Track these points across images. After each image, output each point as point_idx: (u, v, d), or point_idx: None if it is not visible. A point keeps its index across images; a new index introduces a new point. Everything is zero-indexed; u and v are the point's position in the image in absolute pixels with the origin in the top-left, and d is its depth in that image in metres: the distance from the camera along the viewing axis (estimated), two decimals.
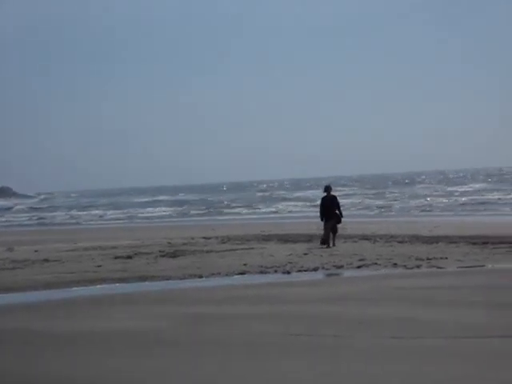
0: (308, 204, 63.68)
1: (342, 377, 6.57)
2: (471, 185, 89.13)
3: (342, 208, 23.72)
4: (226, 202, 78.18)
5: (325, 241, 22.56)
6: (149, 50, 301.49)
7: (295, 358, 7.40)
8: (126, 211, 70.49)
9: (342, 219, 23.33)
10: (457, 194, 70.07)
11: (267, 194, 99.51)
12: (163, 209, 71.86)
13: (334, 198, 23.59)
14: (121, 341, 8.64)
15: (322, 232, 22.99)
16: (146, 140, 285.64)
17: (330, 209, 23.16)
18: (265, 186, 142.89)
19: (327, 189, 23.66)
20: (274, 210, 61.60)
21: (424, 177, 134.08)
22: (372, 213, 50.57)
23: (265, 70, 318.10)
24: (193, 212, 64.19)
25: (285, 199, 79.49)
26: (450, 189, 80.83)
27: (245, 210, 63.58)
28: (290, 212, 57.02)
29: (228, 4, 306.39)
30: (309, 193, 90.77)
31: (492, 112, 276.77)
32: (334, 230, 22.89)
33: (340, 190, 76.61)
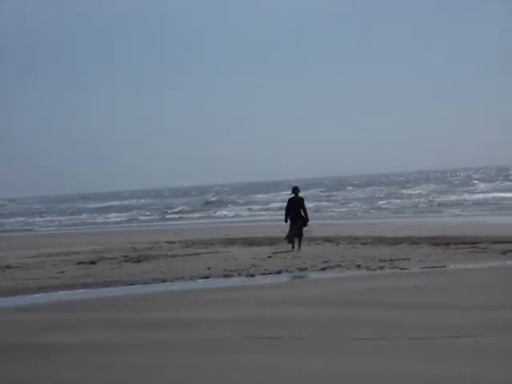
0: (274, 207, 63.73)
1: (307, 376, 6.62)
2: (424, 186, 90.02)
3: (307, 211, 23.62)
4: (181, 207, 77.59)
5: (290, 241, 22.42)
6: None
7: (259, 359, 7.43)
8: (82, 217, 70.10)
9: (308, 222, 23.16)
10: (414, 195, 70.74)
11: (223, 196, 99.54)
12: (121, 214, 71.20)
13: (301, 199, 23.32)
14: (71, 350, 8.60)
15: (287, 233, 22.83)
16: (97, 144, 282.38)
17: (296, 211, 22.98)
18: (225, 188, 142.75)
19: (295, 190, 23.32)
20: (230, 213, 61.40)
21: (365, 180, 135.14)
22: (334, 215, 50.76)
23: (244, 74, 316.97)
24: (149, 217, 63.74)
25: (236, 203, 79.35)
26: (406, 191, 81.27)
27: (199, 214, 63.42)
28: (256, 215, 56.96)
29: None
30: (262, 196, 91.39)
31: (451, 112, 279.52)
32: (300, 234, 22.67)
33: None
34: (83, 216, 71.86)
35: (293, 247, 22.26)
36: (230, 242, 26.55)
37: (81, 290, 15.26)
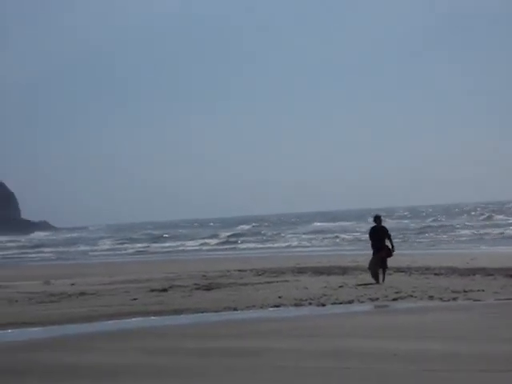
0: (325, 237, 63.41)
1: None
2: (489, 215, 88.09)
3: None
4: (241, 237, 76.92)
5: (374, 275, 20.93)
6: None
7: None
8: (146, 245, 69.30)
9: (394, 252, 21.62)
10: (484, 225, 69.66)
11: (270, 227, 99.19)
12: (190, 242, 70.82)
13: (385, 228, 22.17)
14: (139, 375, 8.69)
15: (369, 263, 21.42)
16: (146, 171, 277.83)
17: (380, 240, 21.65)
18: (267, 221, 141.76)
19: (377, 219, 22.23)
20: (287, 244, 60.82)
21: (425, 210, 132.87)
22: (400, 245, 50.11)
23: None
24: (216, 247, 63.50)
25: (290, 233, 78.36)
26: (469, 223, 79.43)
27: (257, 245, 62.91)
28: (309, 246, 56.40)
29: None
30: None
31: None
32: (384, 266, 21.27)
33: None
34: (148, 245, 71.24)
35: (377, 280, 20.83)
36: (301, 270, 26.50)
37: (152, 318, 15.41)
